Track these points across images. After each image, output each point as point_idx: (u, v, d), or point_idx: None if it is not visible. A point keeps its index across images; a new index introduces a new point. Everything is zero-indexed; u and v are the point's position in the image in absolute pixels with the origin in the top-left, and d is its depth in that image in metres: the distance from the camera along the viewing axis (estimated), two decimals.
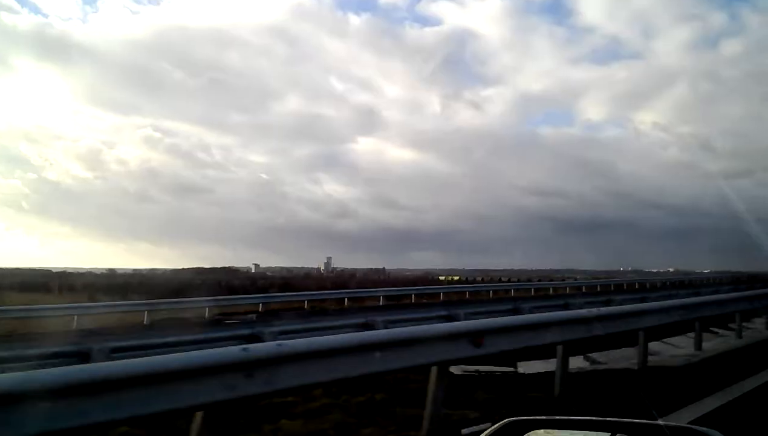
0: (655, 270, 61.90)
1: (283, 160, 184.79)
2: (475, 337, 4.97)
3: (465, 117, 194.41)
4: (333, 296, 23.03)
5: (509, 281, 40.10)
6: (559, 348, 6.15)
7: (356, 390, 5.83)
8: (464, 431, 4.67)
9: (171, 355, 3.90)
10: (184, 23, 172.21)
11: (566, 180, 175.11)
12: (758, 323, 12.58)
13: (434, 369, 4.90)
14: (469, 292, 27.74)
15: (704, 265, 56.29)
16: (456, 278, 53.79)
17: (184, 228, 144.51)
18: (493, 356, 5.80)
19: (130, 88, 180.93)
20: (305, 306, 20.26)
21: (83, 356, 6.30)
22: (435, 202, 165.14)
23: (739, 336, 10.78)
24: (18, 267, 50.21)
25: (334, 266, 75.89)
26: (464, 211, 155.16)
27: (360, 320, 11.23)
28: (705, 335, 10.27)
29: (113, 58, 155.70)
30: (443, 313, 12.74)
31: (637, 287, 31.69)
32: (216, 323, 12.31)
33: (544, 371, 7.25)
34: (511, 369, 7.72)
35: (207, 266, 61.51)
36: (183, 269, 59.79)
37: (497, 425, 1.51)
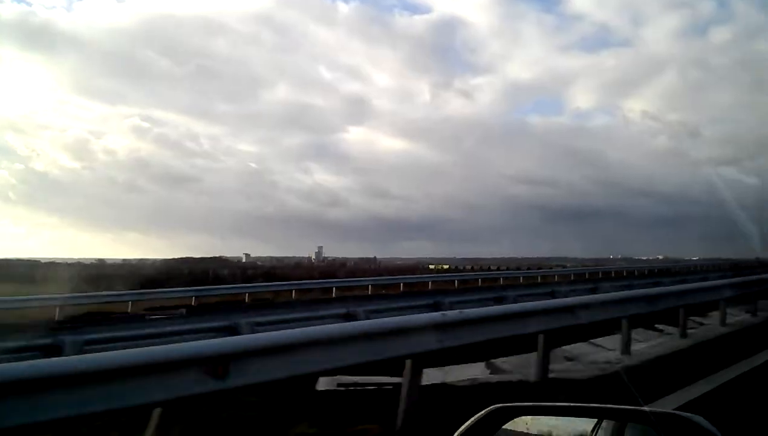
0: (644, 258, 62.38)
1: (273, 149, 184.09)
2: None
3: (455, 106, 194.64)
4: (317, 286, 22.66)
5: (498, 269, 40.08)
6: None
7: None
8: None
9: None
10: (170, 11, 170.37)
11: (556, 169, 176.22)
12: (714, 317, 10.86)
13: (408, 362, 4.66)
14: (457, 280, 27.64)
15: (693, 252, 56.63)
16: (446, 266, 53.75)
17: (173, 218, 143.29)
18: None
19: (116, 77, 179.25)
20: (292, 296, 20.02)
21: None
22: (425, 192, 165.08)
23: (683, 335, 9.16)
24: (5, 258, 49.25)
25: (326, 256, 75.82)
26: (454, 200, 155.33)
27: (342, 310, 10.98)
28: (649, 333, 9.14)
29: (99, 47, 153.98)
30: (429, 302, 12.56)
31: (625, 274, 31.74)
32: (139, 318, 11.65)
33: (434, 382, 5.75)
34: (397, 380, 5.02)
35: (198, 255, 60.79)
36: (173, 258, 58.98)
37: (483, 412, 1.47)
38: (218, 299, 18.99)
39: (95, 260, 59.42)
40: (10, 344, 6.37)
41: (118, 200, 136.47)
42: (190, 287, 20.90)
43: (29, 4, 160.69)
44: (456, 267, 51.07)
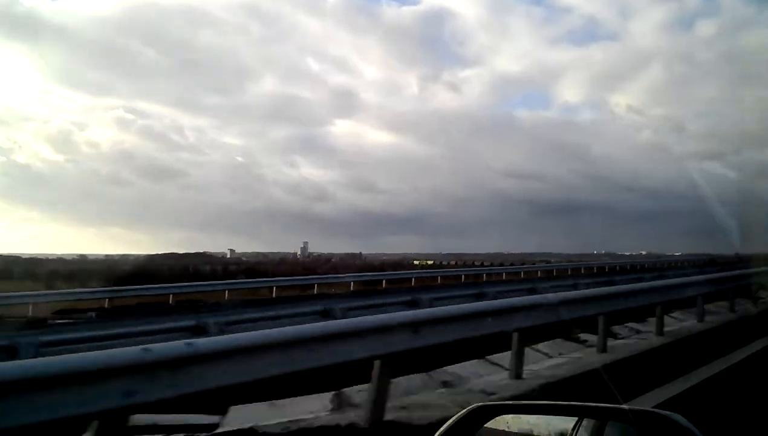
0: (628, 253, 62.89)
1: (259, 142, 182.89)
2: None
3: (443, 99, 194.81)
4: (299, 283, 22.37)
5: (482, 265, 40.26)
6: None
7: None
8: None
9: None
10: (155, 0, 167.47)
11: (543, 163, 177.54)
12: (692, 312, 10.36)
13: (377, 363, 4.49)
14: (441, 277, 27.64)
15: (676, 248, 57.30)
16: (430, 262, 53.84)
17: (158, 212, 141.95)
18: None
19: (100, 67, 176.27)
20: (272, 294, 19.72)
21: None
22: (413, 185, 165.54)
23: (660, 333, 8.69)
24: None
25: (311, 251, 75.71)
26: (442, 194, 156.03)
27: (319, 307, 10.79)
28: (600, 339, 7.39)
29: (83, 37, 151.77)
30: (408, 298, 12.44)
31: (606, 270, 32.00)
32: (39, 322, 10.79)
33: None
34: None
35: (182, 251, 60.11)
36: (156, 254, 58.23)
37: (464, 411, 1.47)
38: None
39: (77, 255, 58.62)
40: None
41: (102, 194, 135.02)
42: (165, 284, 20.47)
43: None
44: (440, 263, 51.22)
